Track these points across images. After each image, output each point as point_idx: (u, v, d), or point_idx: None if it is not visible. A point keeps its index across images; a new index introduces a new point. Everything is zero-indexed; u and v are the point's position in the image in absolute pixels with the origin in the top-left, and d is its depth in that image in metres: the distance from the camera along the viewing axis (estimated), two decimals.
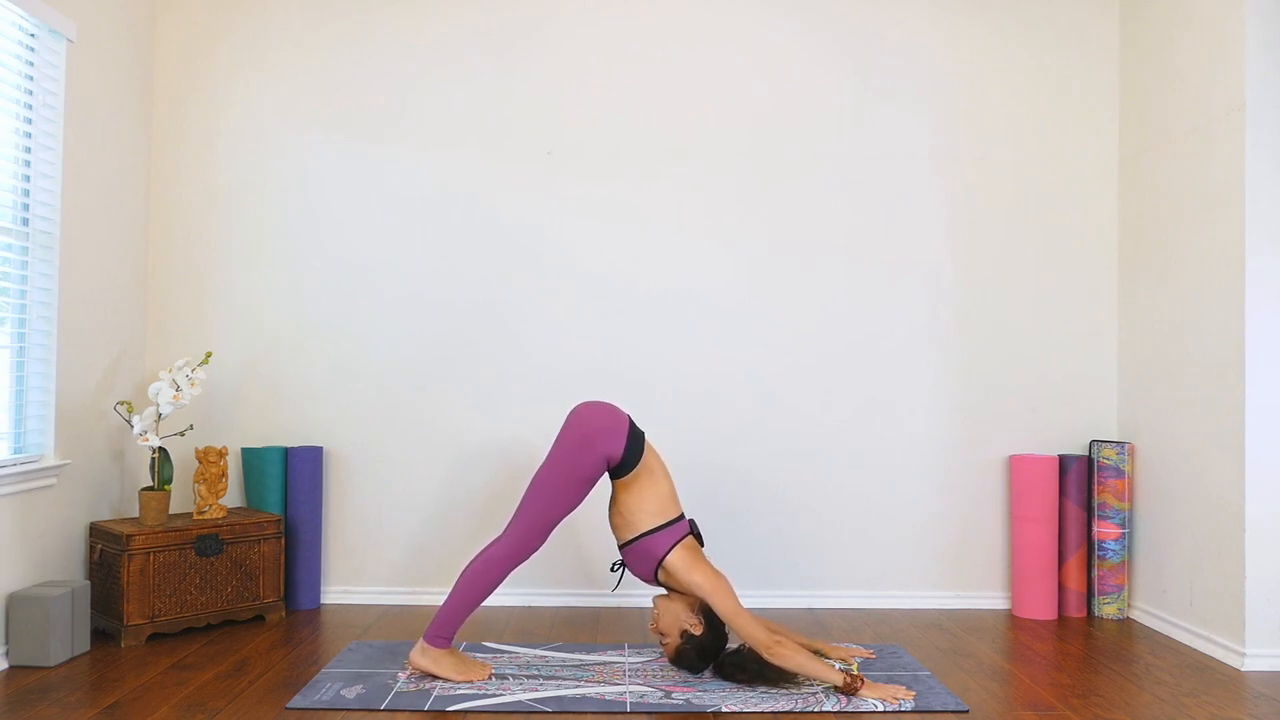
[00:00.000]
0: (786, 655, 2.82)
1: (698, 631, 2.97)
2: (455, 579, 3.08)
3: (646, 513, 2.98)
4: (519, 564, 2.98)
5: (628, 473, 2.98)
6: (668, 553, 2.96)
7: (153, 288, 3.97)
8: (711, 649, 2.99)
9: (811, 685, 2.91)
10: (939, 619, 3.79)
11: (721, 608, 2.89)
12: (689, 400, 3.96)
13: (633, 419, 3.04)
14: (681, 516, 3.04)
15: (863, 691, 2.80)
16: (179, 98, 3.98)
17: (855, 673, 2.83)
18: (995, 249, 4.02)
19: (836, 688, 2.82)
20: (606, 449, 2.93)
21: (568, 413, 3.15)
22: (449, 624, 2.95)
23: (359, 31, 3.99)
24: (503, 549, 2.95)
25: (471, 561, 3.00)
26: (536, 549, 2.98)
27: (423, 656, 2.94)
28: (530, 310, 3.97)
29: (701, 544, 3.08)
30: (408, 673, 2.99)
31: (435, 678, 2.94)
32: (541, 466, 2.99)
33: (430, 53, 3.98)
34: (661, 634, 3.04)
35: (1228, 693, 2.95)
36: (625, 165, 3.98)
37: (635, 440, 2.98)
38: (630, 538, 3.00)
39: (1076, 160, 4.04)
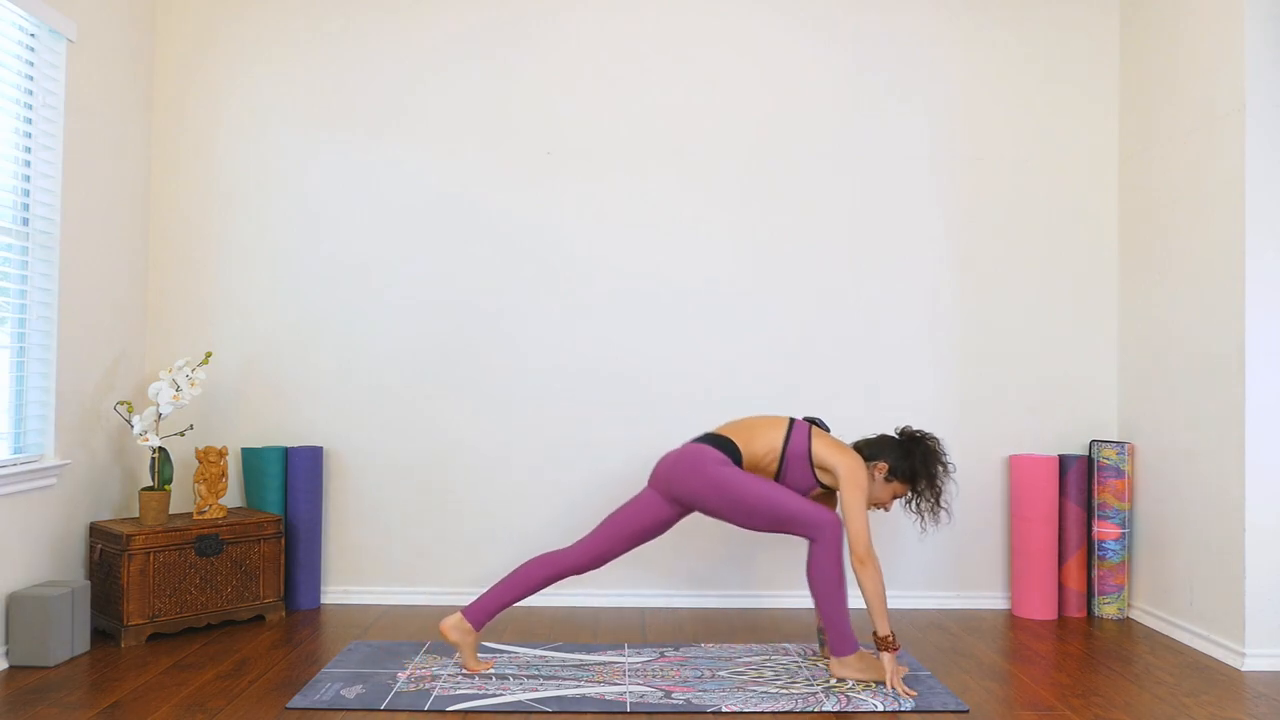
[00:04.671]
0: (870, 575, 2.88)
1: (893, 490, 3.10)
2: (514, 571, 3.09)
3: (769, 444, 3.04)
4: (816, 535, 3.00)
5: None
6: (809, 445, 3.03)
7: (153, 288, 3.97)
8: (918, 465, 3.07)
9: (811, 685, 2.91)
10: (939, 619, 3.79)
11: (848, 497, 2.93)
12: (690, 399, 3.96)
13: (706, 442, 3.06)
14: (792, 420, 3.10)
15: (886, 660, 2.90)
16: (179, 98, 3.98)
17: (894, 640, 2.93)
18: (995, 249, 4.03)
19: (876, 634, 2.90)
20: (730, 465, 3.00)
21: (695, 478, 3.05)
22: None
23: (359, 31, 3.99)
24: (820, 548, 2.99)
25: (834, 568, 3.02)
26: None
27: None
28: (530, 310, 3.97)
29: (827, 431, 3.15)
30: (407, 672, 2.99)
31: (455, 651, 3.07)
32: (742, 509, 2.97)
33: (430, 53, 3.99)
34: (886, 508, 3.17)
35: (1228, 693, 2.95)
36: (625, 165, 3.98)
37: (727, 450, 3.02)
38: (777, 465, 3.04)
39: (1076, 160, 4.04)
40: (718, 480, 2.96)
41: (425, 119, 3.98)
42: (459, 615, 3.01)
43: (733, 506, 2.96)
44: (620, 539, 3.05)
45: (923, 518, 3.13)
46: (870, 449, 3.12)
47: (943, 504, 3.11)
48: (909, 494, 3.12)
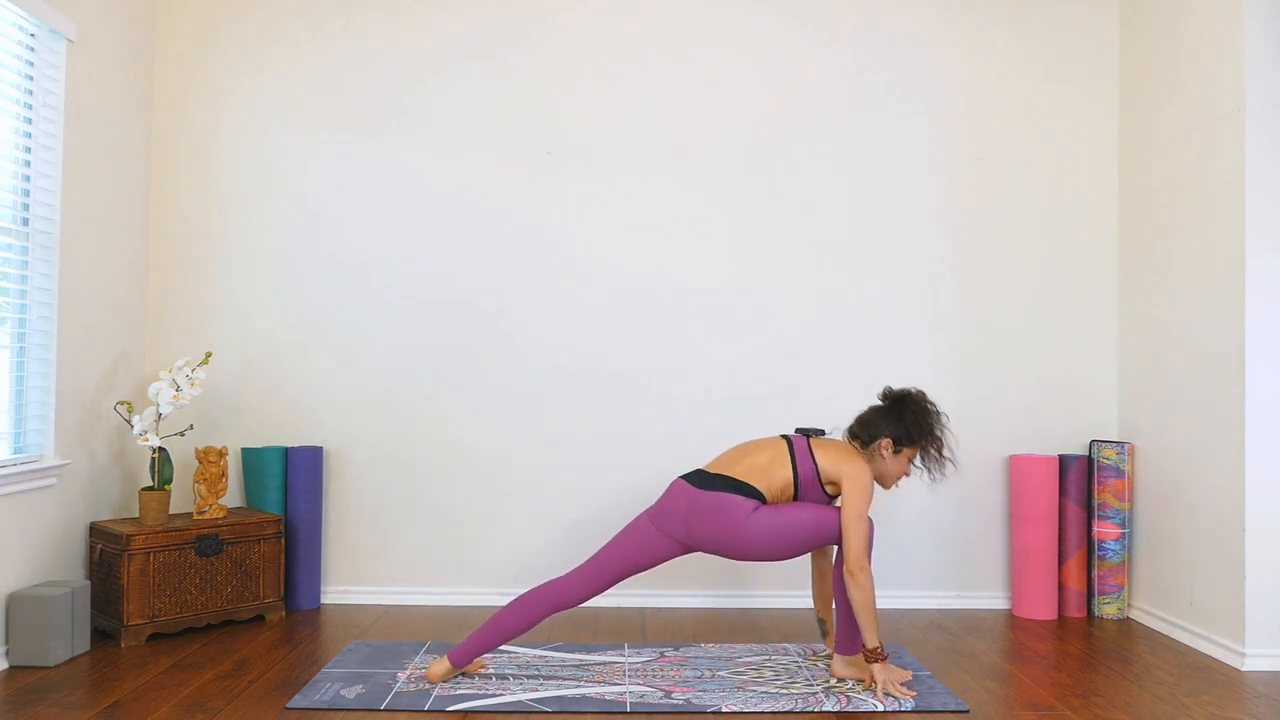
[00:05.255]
0: (861, 586, 2.83)
1: (905, 457, 3.01)
2: (501, 612, 2.98)
3: (782, 479, 2.95)
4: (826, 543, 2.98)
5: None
6: (815, 464, 2.96)
7: (153, 288, 3.97)
8: (914, 426, 3.00)
9: (811, 685, 2.91)
10: (939, 619, 3.79)
11: (850, 509, 2.87)
12: (690, 399, 3.96)
13: (726, 488, 2.93)
14: (789, 442, 3.01)
15: (876, 670, 2.85)
16: (179, 98, 3.98)
17: (884, 651, 2.89)
18: (995, 249, 4.02)
19: (864, 648, 2.87)
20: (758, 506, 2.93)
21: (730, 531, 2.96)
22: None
23: (359, 31, 3.99)
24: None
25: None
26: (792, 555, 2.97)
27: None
28: (530, 310, 3.97)
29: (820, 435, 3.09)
30: (407, 672, 2.99)
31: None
32: (774, 534, 2.91)
33: (430, 53, 3.99)
34: (899, 482, 3.14)
35: (1228, 693, 2.95)
36: (625, 165, 3.98)
37: (753, 495, 2.92)
38: (793, 488, 2.97)
39: (1077, 160, 4.04)
40: (756, 530, 2.86)
41: (425, 119, 3.98)
42: (446, 664, 2.91)
43: (774, 547, 2.88)
44: (614, 575, 2.96)
45: (930, 473, 3.07)
46: (866, 431, 3.04)
47: (946, 455, 3.05)
48: (918, 455, 3.06)
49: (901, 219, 4.01)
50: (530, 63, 3.99)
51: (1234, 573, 3.26)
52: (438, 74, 3.98)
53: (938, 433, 3.03)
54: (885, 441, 3.01)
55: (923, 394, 3.06)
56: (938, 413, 3.05)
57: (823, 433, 3.10)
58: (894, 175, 4.01)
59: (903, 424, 3.00)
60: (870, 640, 2.86)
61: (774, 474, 2.95)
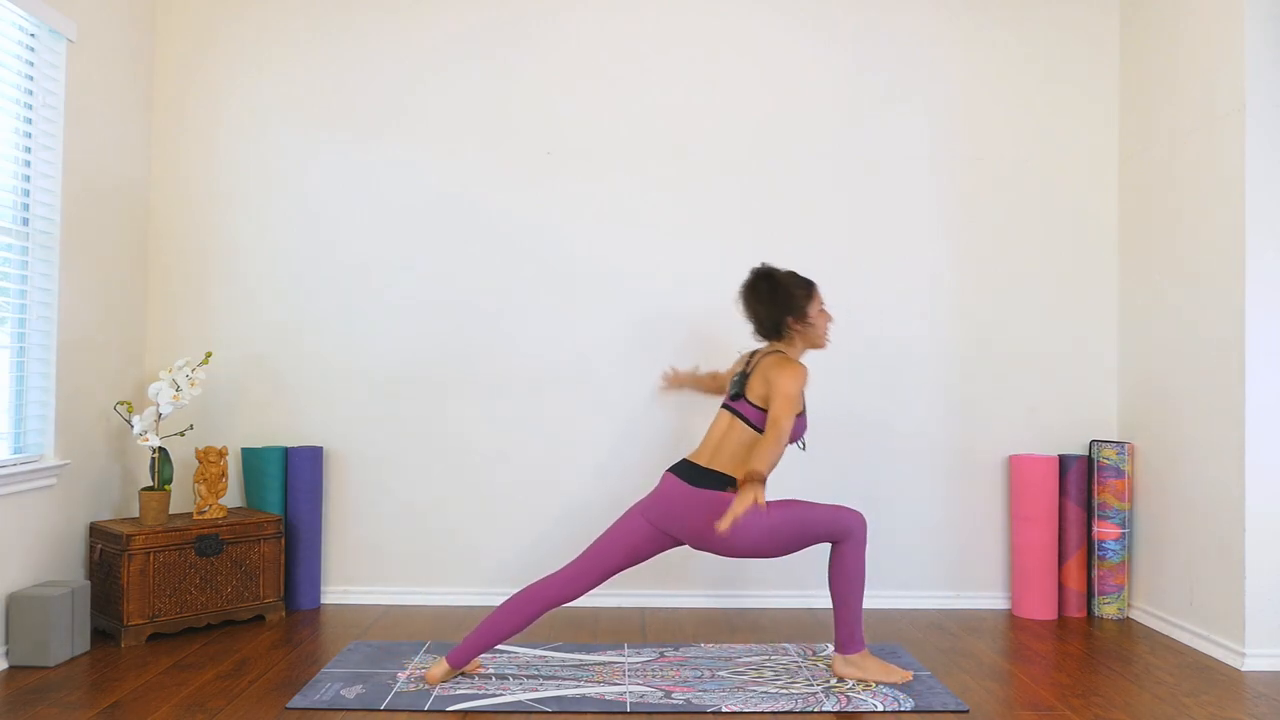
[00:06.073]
0: (761, 458, 2.71)
1: (811, 316, 3.02)
2: (497, 611, 2.97)
3: (749, 446, 2.90)
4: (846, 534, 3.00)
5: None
6: (763, 412, 2.88)
7: (153, 288, 3.97)
8: (789, 289, 3.00)
9: (811, 684, 2.92)
10: (939, 619, 3.79)
11: (777, 408, 2.80)
12: (690, 399, 3.96)
13: (716, 485, 2.90)
14: (737, 413, 2.94)
15: (744, 490, 2.65)
16: (179, 98, 3.98)
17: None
18: (995, 248, 4.02)
19: (752, 469, 2.68)
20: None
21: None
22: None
23: (359, 31, 3.99)
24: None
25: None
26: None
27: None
28: (530, 310, 3.97)
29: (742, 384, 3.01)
30: (407, 672, 2.99)
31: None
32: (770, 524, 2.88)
33: (430, 53, 3.99)
34: (829, 331, 3.11)
35: (1228, 693, 2.95)
36: (625, 165, 3.98)
37: (707, 479, 2.90)
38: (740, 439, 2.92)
39: (1077, 160, 4.04)
40: (747, 530, 2.84)
41: (425, 119, 3.98)
42: (445, 666, 2.90)
43: (767, 546, 2.87)
44: (608, 570, 2.94)
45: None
46: (769, 328, 3.01)
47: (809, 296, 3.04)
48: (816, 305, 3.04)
49: (901, 219, 4.01)
50: (530, 63, 3.99)
51: (1234, 573, 3.27)
52: (438, 74, 3.98)
53: (804, 279, 3.05)
54: (788, 320, 2.99)
55: (765, 268, 3.05)
56: (786, 270, 3.06)
57: (746, 375, 2.98)
58: (894, 175, 4.01)
59: (784, 301, 2.99)
60: (756, 466, 2.68)
61: (750, 449, 2.89)
